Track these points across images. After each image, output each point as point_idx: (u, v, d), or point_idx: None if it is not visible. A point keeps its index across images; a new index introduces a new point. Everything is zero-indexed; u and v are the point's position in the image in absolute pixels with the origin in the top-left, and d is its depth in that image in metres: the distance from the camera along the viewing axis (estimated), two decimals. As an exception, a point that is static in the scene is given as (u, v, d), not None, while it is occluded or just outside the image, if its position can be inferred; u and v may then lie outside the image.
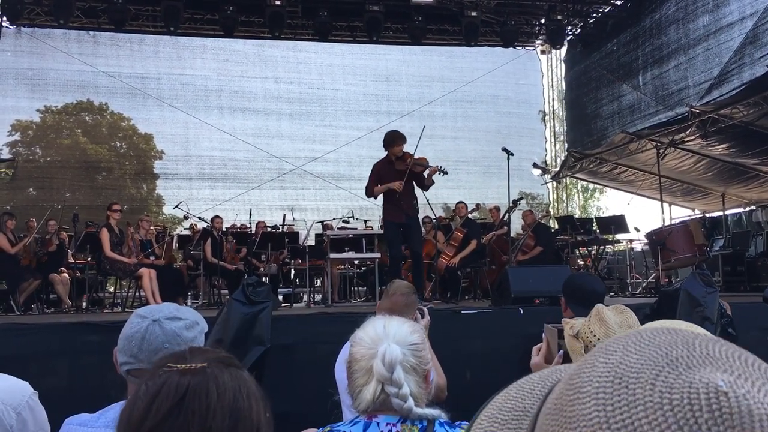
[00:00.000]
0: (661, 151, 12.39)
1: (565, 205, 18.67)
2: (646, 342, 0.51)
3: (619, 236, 12.18)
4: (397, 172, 7.39)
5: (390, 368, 1.61)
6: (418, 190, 7.77)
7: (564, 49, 17.07)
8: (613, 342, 0.53)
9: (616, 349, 0.52)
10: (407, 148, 7.57)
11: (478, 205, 10.75)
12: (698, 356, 0.48)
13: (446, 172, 7.59)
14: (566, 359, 1.93)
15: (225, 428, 0.98)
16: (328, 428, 1.67)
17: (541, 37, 17.06)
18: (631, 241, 12.88)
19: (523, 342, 5.70)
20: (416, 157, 7.48)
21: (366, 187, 7.60)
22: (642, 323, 1.84)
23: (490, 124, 16.99)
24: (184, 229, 12.68)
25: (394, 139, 7.42)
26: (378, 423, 1.63)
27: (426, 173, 7.51)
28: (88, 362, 5.31)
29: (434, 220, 10.42)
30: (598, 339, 1.77)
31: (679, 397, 0.45)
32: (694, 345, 0.50)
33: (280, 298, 10.48)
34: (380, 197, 7.68)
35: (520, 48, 17.15)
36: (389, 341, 1.66)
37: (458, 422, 1.72)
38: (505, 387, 0.66)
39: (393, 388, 1.61)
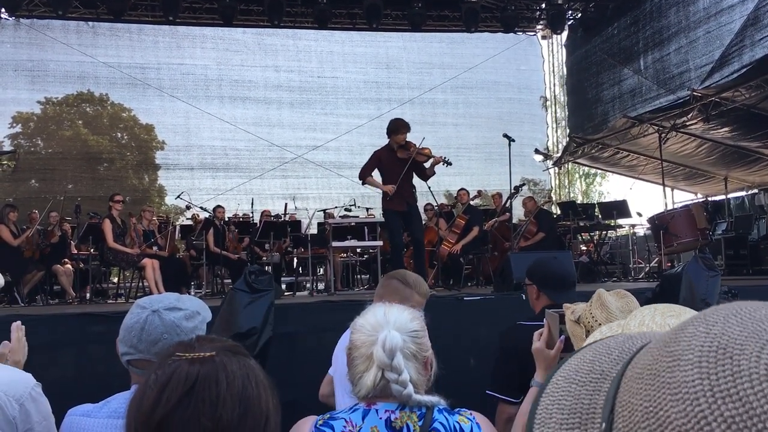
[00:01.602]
0: (663, 135, 12.36)
1: (567, 190, 18.66)
2: (747, 315, 0.51)
3: (621, 221, 12.18)
4: (399, 161, 7.36)
5: (390, 355, 1.62)
6: (416, 179, 7.73)
7: (565, 34, 16.99)
8: (711, 312, 0.53)
9: (716, 320, 0.52)
10: (410, 137, 7.55)
11: (479, 191, 10.74)
12: None
13: (450, 163, 7.55)
14: (567, 344, 1.94)
15: (235, 416, 0.99)
16: (328, 415, 1.68)
17: (541, 22, 16.98)
18: (633, 225, 12.88)
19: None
20: (420, 146, 7.45)
21: (361, 170, 7.52)
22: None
23: (491, 110, 16.96)
24: (187, 219, 12.70)
25: (398, 127, 7.39)
26: (377, 410, 1.65)
27: (429, 164, 7.49)
28: (92, 353, 5.33)
29: (436, 207, 10.41)
30: (599, 324, 1.77)
31: None
32: None
33: (283, 286, 10.50)
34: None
35: (521, 33, 17.08)
36: (390, 328, 1.67)
37: (457, 408, 1.73)
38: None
39: (393, 374, 1.62)
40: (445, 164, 7.50)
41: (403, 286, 2.83)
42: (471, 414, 1.73)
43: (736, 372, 0.47)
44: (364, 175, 7.46)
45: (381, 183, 7.41)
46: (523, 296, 6.52)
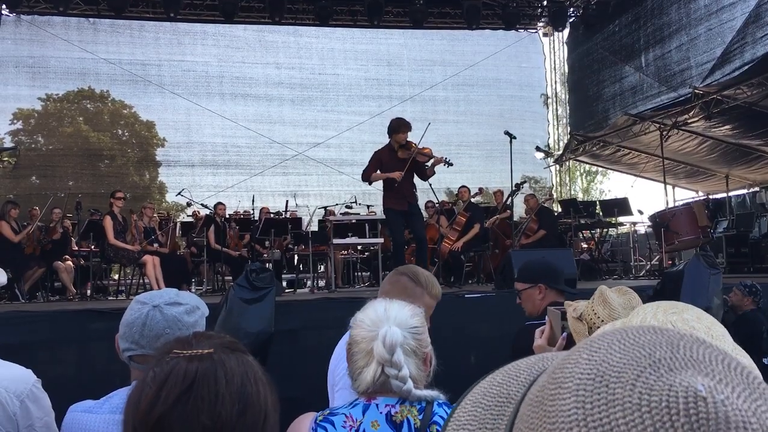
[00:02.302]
0: (664, 133, 12.34)
1: (568, 188, 18.65)
2: (631, 341, 0.50)
3: (622, 219, 12.18)
4: (400, 161, 7.35)
5: (390, 350, 1.62)
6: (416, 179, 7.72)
7: (566, 32, 16.96)
8: (598, 338, 0.52)
9: (600, 346, 0.51)
10: (411, 136, 7.54)
11: (480, 189, 10.74)
12: (681, 358, 0.48)
13: (451, 164, 7.52)
14: (570, 341, 1.93)
15: (234, 414, 0.98)
16: (327, 411, 1.68)
17: (543, 20, 16.95)
18: (634, 223, 12.87)
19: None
20: (421, 146, 7.44)
21: (363, 171, 7.52)
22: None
23: (493, 107, 16.93)
24: (187, 216, 12.69)
25: (399, 126, 7.38)
26: (377, 405, 1.65)
27: (429, 163, 7.47)
28: (93, 349, 5.34)
29: (437, 205, 10.41)
30: (602, 320, 1.76)
31: (658, 400, 0.44)
32: (678, 346, 0.49)
33: (284, 284, 10.50)
34: (380, 185, 7.65)
35: (522, 31, 17.05)
36: (390, 324, 1.67)
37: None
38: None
39: (393, 369, 1.62)
40: (446, 165, 7.48)
41: (413, 285, 2.62)
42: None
43: (610, 401, 0.46)
44: (367, 176, 7.45)
45: (385, 174, 7.40)
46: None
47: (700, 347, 0.49)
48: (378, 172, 7.42)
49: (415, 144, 7.39)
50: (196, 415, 0.96)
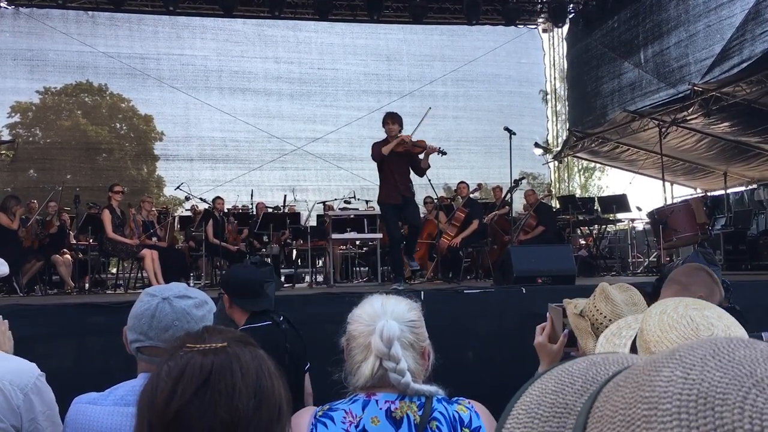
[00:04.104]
0: (663, 129, 12.34)
1: (566, 184, 18.65)
2: (726, 356, 0.47)
3: (620, 215, 12.18)
4: (396, 154, 7.33)
5: (388, 344, 1.62)
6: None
7: (566, 27, 16.94)
8: (686, 352, 0.49)
9: (694, 362, 0.48)
10: (407, 130, 7.51)
11: (479, 185, 10.74)
12: None
13: (445, 153, 7.47)
14: (571, 337, 1.94)
15: (250, 407, 0.98)
16: (327, 406, 1.67)
17: (542, 15, 16.94)
18: (632, 220, 12.87)
19: (525, 321, 5.73)
20: (414, 139, 7.41)
21: (373, 154, 7.35)
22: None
23: (492, 103, 16.94)
24: (186, 210, 12.68)
25: (384, 119, 7.40)
26: (377, 400, 1.65)
27: (423, 155, 7.41)
28: (93, 343, 5.34)
29: (436, 200, 10.41)
30: (605, 316, 1.77)
31: None
32: None
33: (282, 278, 10.50)
34: (376, 179, 7.60)
35: (522, 26, 17.05)
36: (387, 318, 1.67)
37: (455, 398, 1.73)
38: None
39: (391, 363, 1.62)
40: (440, 154, 7.42)
41: (711, 281, 2.68)
42: (469, 403, 1.74)
43: (719, 426, 0.43)
44: (378, 153, 7.32)
45: (379, 174, 7.37)
46: (523, 289, 6.54)
47: None
48: (386, 146, 7.26)
49: (409, 137, 7.34)
50: (214, 408, 0.96)
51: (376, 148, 7.30)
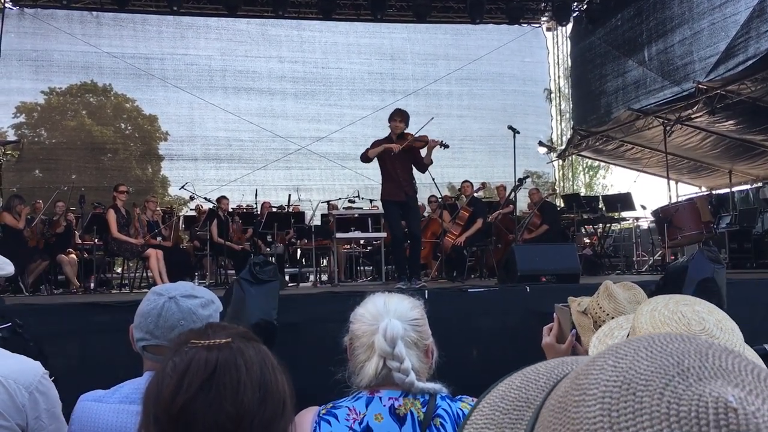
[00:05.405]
0: (667, 128, 12.31)
1: (570, 183, 18.62)
2: (659, 348, 0.49)
3: (625, 214, 12.16)
4: (399, 151, 7.30)
5: (391, 343, 1.62)
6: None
7: (570, 26, 16.91)
8: (624, 344, 0.51)
9: (627, 352, 0.50)
10: (411, 129, 7.48)
11: (483, 183, 10.73)
12: (710, 368, 0.46)
13: (447, 146, 7.41)
14: (578, 338, 1.93)
15: (255, 401, 0.99)
16: (331, 405, 1.68)
17: (546, 14, 16.90)
18: (637, 218, 12.84)
19: (529, 320, 5.73)
20: (417, 135, 7.38)
21: (362, 155, 7.40)
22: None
23: (496, 102, 16.93)
24: (190, 210, 12.70)
25: (391, 115, 7.36)
26: (380, 398, 1.65)
27: (425, 150, 7.35)
28: (98, 342, 5.35)
29: (440, 199, 10.40)
30: (608, 314, 1.77)
31: (687, 410, 0.43)
32: (707, 355, 0.48)
33: (287, 278, 10.51)
34: (380, 178, 7.58)
35: (526, 25, 17.03)
36: (390, 317, 1.67)
37: (459, 396, 1.74)
38: (510, 366, 0.66)
39: (395, 362, 1.62)
40: (442, 147, 7.36)
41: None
42: (473, 401, 1.74)
43: (638, 410, 0.45)
44: (365, 155, 7.28)
45: (381, 171, 7.35)
46: (527, 288, 6.52)
47: (729, 356, 0.48)
48: (374, 149, 7.26)
49: (411, 134, 7.31)
50: (220, 402, 0.97)
51: (369, 149, 7.29)
